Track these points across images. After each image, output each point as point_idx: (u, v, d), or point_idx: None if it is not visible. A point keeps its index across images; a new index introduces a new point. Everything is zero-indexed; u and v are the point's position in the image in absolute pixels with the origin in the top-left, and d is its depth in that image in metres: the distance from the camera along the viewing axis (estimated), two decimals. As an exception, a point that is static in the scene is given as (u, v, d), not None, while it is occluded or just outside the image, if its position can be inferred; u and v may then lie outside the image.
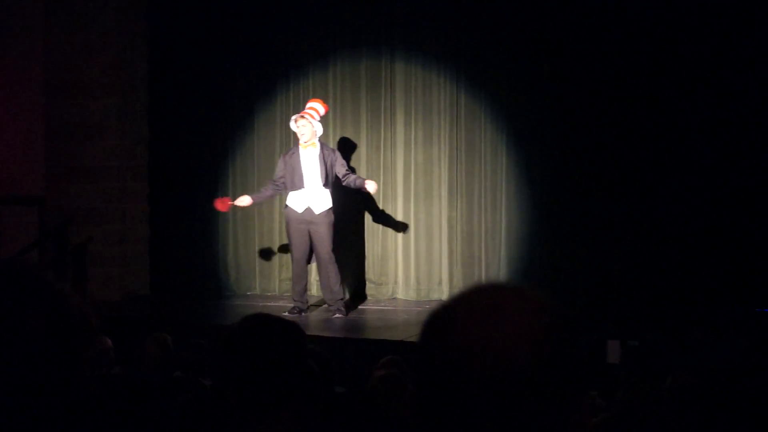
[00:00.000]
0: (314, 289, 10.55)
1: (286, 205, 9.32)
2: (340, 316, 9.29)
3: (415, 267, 10.44)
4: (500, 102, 10.09)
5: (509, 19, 9.96)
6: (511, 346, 1.25)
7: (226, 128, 10.99)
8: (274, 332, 2.39)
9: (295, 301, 9.41)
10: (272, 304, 10.11)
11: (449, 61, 10.23)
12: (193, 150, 11.06)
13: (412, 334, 8.19)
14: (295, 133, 9.40)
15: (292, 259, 9.39)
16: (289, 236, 9.37)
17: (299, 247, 9.26)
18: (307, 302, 9.59)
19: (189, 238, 11.09)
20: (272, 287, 10.88)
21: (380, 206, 10.53)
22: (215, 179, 11.02)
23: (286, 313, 9.09)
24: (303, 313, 9.38)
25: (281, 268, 10.77)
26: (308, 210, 9.19)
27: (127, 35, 10.81)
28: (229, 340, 2.40)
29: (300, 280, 9.38)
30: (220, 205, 9.67)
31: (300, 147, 9.24)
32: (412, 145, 10.42)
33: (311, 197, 9.20)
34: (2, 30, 10.89)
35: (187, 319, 9.54)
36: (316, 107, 9.34)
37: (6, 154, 10.95)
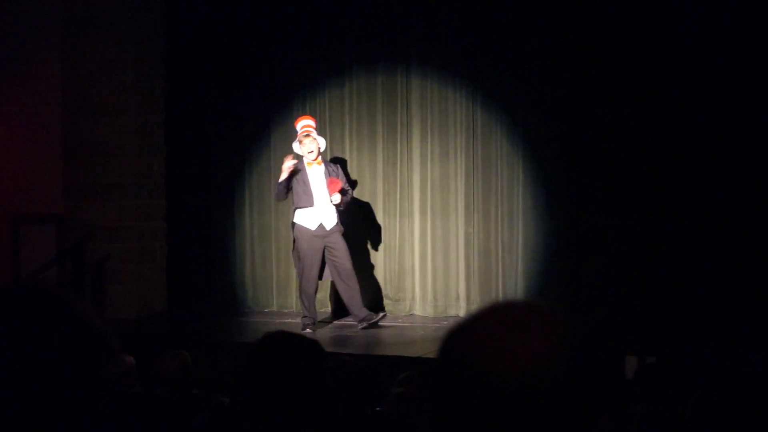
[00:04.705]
0: (327, 305, 10.56)
1: (295, 223, 9.31)
2: (365, 325, 9.32)
3: (432, 283, 10.42)
4: (516, 117, 10.08)
5: (525, 34, 9.95)
6: (528, 363, 1.25)
7: (242, 145, 11.02)
8: (295, 350, 2.40)
9: (305, 317, 9.36)
10: (290, 320, 10.09)
11: (465, 77, 10.23)
12: (210, 167, 11.10)
13: (429, 351, 8.16)
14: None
15: (304, 277, 9.32)
16: (301, 254, 9.30)
17: (314, 264, 9.25)
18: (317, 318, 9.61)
19: (206, 254, 11.12)
20: (289, 304, 10.88)
21: (397, 222, 10.53)
22: (232, 196, 11.06)
23: (308, 330, 9.08)
24: (314, 326, 9.37)
25: (298, 284, 10.76)
26: (321, 226, 9.23)
27: (144, 53, 10.86)
28: (250, 357, 2.40)
29: (313, 299, 9.38)
30: (333, 185, 9.24)
31: (305, 165, 9.27)
32: (429, 161, 10.42)
33: (322, 214, 9.25)
34: (20, 50, 10.97)
35: (206, 336, 9.55)
36: (311, 124, 9.45)
37: (24, 172, 11.01)
